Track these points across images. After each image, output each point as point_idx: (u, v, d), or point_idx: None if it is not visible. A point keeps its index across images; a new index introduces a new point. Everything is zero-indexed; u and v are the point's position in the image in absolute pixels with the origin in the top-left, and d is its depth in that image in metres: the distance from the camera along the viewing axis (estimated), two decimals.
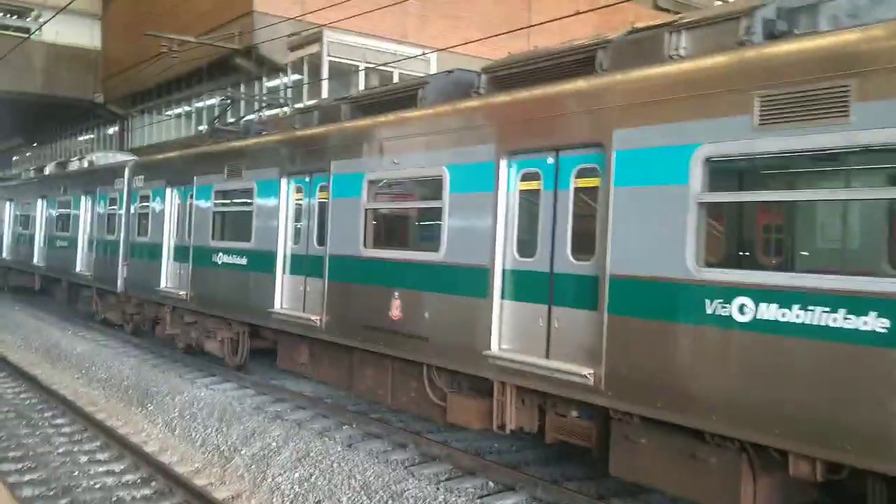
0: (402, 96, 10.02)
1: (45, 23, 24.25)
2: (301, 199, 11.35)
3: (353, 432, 10.70)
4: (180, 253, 14.71)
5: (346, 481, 8.76)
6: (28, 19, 28.96)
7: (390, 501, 8.08)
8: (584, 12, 17.78)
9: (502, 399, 7.76)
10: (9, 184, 28.54)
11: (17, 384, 14.63)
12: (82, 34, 31.49)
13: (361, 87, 19.10)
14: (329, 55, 19.18)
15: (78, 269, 19.61)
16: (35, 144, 47.27)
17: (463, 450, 9.61)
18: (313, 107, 12.05)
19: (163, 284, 15.09)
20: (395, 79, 19.06)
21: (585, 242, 7.05)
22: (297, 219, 11.44)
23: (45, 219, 22.63)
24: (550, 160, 7.40)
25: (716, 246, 6.21)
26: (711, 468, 6.13)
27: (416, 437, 10.06)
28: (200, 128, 28.66)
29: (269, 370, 14.68)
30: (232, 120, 17.41)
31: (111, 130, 35.28)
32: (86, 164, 21.74)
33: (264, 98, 16.96)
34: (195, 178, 14.01)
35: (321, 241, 10.73)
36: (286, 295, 11.49)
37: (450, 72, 9.99)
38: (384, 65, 18.35)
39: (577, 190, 7.20)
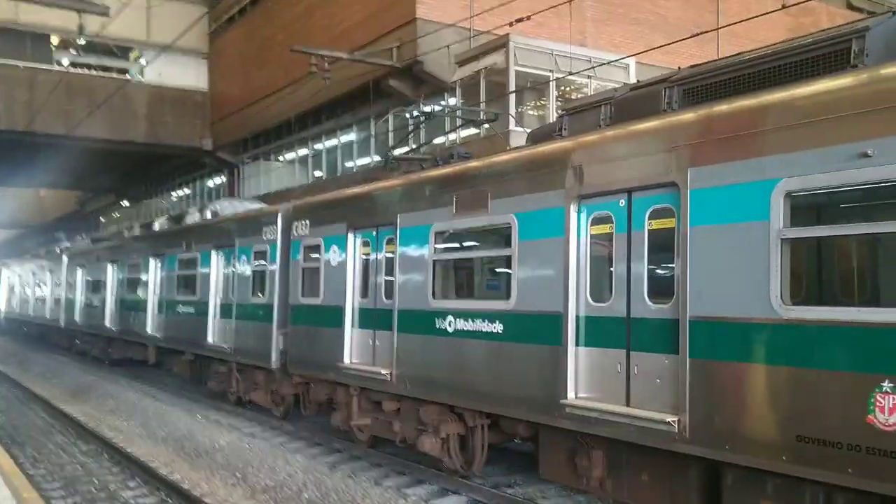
0: (812, 57, 6.28)
1: (149, 63, 21.42)
2: (603, 233, 7.62)
3: None
4: (372, 318, 11.08)
5: None
6: (129, 60, 26.45)
7: None
8: (773, 11, 14.53)
9: None
10: (109, 244, 25.65)
11: (157, 498, 11.03)
12: (187, 74, 28.71)
13: (553, 101, 15.62)
14: (517, 65, 15.74)
15: (210, 339, 16.19)
16: (125, 203, 45.12)
17: None
18: (594, 103, 8.39)
19: (346, 360, 11.44)
20: (591, 90, 15.49)
21: None
22: (598, 264, 7.70)
23: (161, 281, 19.43)
24: None
25: None
26: None
27: None
28: (318, 174, 25.52)
29: (491, 468, 10.86)
30: (405, 148, 13.87)
31: (211, 183, 32.39)
32: (209, 216, 18.56)
33: (479, 111, 13.37)
34: (398, 217, 10.44)
35: (655, 292, 6.99)
36: (584, 378, 7.67)
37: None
38: (575, 73, 14.81)
39: None
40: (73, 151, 28.06)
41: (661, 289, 7.02)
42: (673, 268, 6.85)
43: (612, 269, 7.48)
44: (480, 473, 10.36)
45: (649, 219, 7.15)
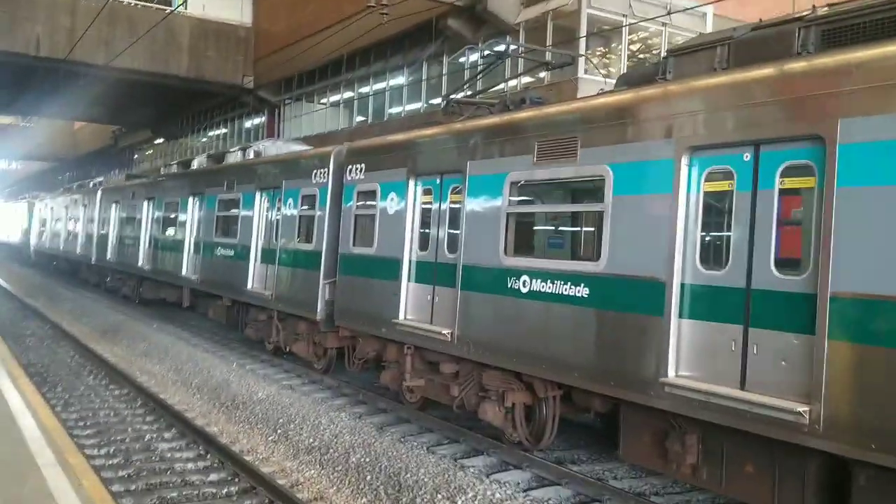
0: None
1: None
2: (720, 190, 6.67)
3: None
4: (432, 272, 10.25)
5: None
6: None
7: None
8: None
9: None
10: (144, 180, 24.92)
11: (195, 452, 10.38)
12: (232, 7, 27.55)
13: (625, 48, 14.47)
14: (590, 7, 14.51)
15: (250, 285, 15.48)
16: (160, 140, 44.38)
17: None
18: (708, 43, 7.35)
19: (402, 316, 10.65)
20: (664, 41, 14.29)
21: None
22: (712, 226, 6.77)
23: (199, 221, 18.70)
24: None
25: None
26: None
27: None
28: (359, 118, 24.50)
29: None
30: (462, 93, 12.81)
31: (250, 123, 31.42)
32: (251, 155, 17.72)
33: (552, 52, 12.29)
34: (468, 164, 9.51)
35: (784, 261, 6.06)
36: (688, 354, 6.79)
37: None
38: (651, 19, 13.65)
39: None
40: (111, 83, 27.21)
41: (792, 257, 6.09)
42: (809, 234, 5.90)
43: (729, 232, 6.54)
44: (541, 446, 9.60)
45: (781, 176, 6.17)
